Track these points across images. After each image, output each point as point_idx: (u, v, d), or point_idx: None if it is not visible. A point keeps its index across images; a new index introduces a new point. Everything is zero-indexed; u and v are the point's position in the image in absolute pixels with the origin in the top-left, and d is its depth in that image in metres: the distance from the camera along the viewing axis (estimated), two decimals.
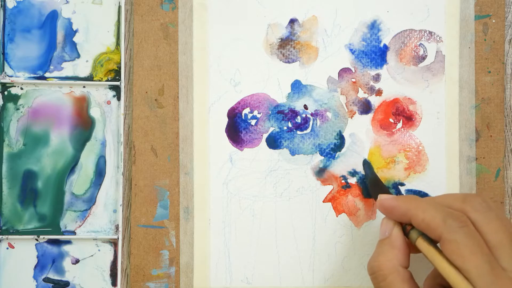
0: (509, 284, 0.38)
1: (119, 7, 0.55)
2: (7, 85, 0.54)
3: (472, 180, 0.54)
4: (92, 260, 0.54)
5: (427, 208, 0.42)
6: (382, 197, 0.46)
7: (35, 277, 0.54)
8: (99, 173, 0.54)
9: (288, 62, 0.54)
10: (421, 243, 0.43)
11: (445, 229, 0.40)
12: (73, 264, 0.54)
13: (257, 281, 0.54)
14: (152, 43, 0.54)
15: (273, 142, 0.54)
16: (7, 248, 0.54)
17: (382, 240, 0.45)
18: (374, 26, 0.55)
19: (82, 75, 0.55)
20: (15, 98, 0.54)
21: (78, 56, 0.55)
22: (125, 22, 0.55)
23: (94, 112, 0.54)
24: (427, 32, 0.55)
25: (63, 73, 0.55)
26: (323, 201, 0.54)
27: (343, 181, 0.54)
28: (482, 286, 0.38)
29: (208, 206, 0.54)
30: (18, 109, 0.54)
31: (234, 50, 0.54)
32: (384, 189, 0.51)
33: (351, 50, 0.55)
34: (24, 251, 0.54)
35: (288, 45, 0.54)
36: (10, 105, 0.54)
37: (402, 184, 0.54)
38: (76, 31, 0.55)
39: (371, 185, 0.52)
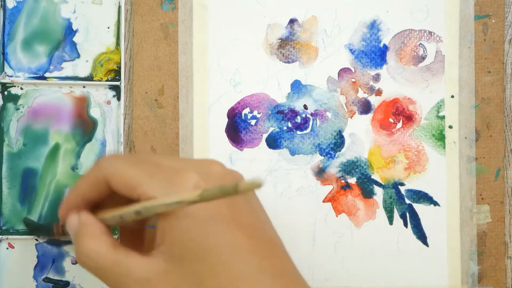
0: None
1: (119, 7, 0.55)
2: (7, 85, 0.54)
3: (472, 180, 0.54)
4: None
5: None
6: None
7: (35, 277, 0.54)
8: None
9: (288, 62, 0.54)
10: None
11: None
12: (73, 264, 0.54)
13: None
14: (152, 43, 0.54)
15: (273, 142, 0.54)
16: (7, 248, 0.54)
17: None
18: (373, 26, 0.55)
19: (82, 75, 0.55)
20: (15, 98, 0.54)
21: (78, 56, 0.55)
22: (125, 22, 0.55)
23: (94, 112, 0.54)
24: (427, 32, 0.55)
25: (63, 73, 0.55)
26: (323, 201, 0.54)
27: (343, 181, 0.54)
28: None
29: None
30: (18, 109, 0.54)
31: (234, 50, 0.54)
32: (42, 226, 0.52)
33: (350, 50, 0.55)
34: (24, 251, 0.54)
35: (288, 45, 0.54)
36: (10, 105, 0.54)
37: (402, 184, 0.54)
38: (76, 31, 0.55)
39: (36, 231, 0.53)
